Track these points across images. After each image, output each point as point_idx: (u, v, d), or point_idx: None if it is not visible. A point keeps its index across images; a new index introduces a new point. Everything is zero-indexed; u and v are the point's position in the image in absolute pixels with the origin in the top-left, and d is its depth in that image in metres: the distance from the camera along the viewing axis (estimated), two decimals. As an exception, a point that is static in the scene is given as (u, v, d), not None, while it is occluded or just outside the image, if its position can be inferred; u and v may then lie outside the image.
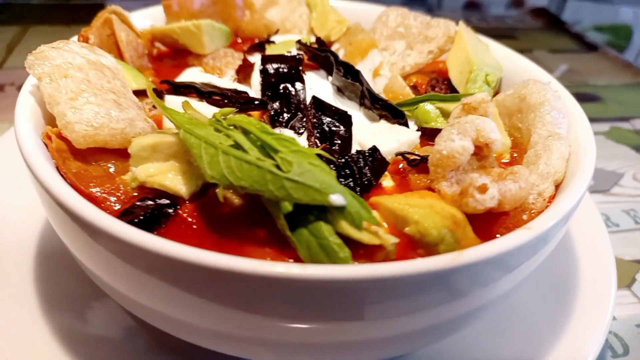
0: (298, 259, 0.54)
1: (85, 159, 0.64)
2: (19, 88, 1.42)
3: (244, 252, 0.55)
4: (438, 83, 0.90)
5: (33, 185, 0.59)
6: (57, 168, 0.60)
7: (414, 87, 0.90)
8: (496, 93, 0.87)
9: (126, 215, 0.57)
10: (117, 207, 0.60)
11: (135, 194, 0.61)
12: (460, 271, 0.48)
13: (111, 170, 0.64)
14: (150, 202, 0.60)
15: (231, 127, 0.59)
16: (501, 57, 0.93)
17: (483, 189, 0.59)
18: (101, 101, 0.64)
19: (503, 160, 0.75)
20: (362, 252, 0.54)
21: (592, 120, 0.76)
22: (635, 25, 2.80)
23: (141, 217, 0.57)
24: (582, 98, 1.59)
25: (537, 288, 0.82)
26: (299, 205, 0.53)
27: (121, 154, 0.66)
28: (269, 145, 0.55)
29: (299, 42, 0.88)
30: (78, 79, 0.65)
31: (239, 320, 0.52)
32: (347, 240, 0.53)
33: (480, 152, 0.65)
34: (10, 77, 1.50)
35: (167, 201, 0.60)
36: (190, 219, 0.60)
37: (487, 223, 0.63)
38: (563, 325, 0.77)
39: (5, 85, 1.46)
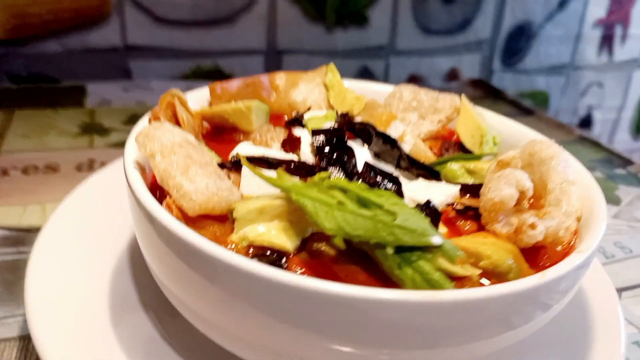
0: (401, 294, 0.66)
1: (195, 225, 0.72)
2: (23, 171, 1.47)
3: (358, 292, 0.66)
4: (450, 146, 1.06)
5: (175, 249, 0.66)
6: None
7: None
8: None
9: (250, 269, 0.66)
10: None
11: (251, 251, 0.70)
12: (546, 287, 0.61)
13: (217, 234, 0.73)
14: (263, 257, 0.69)
15: (331, 188, 0.71)
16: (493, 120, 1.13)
17: (534, 226, 0.73)
18: (207, 173, 0.74)
19: (521, 206, 0.91)
20: (455, 283, 0.66)
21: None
22: (550, 91, 3.24)
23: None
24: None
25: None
26: (399, 248, 0.65)
27: (217, 218, 0.75)
28: (371, 201, 0.67)
29: (341, 116, 1.02)
30: (183, 154, 0.74)
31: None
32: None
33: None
34: (10, 161, 1.52)
35: (276, 255, 0.70)
36: (300, 270, 0.69)
37: (532, 256, 0.77)
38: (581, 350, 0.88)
39: (8, 168, 1.47)
